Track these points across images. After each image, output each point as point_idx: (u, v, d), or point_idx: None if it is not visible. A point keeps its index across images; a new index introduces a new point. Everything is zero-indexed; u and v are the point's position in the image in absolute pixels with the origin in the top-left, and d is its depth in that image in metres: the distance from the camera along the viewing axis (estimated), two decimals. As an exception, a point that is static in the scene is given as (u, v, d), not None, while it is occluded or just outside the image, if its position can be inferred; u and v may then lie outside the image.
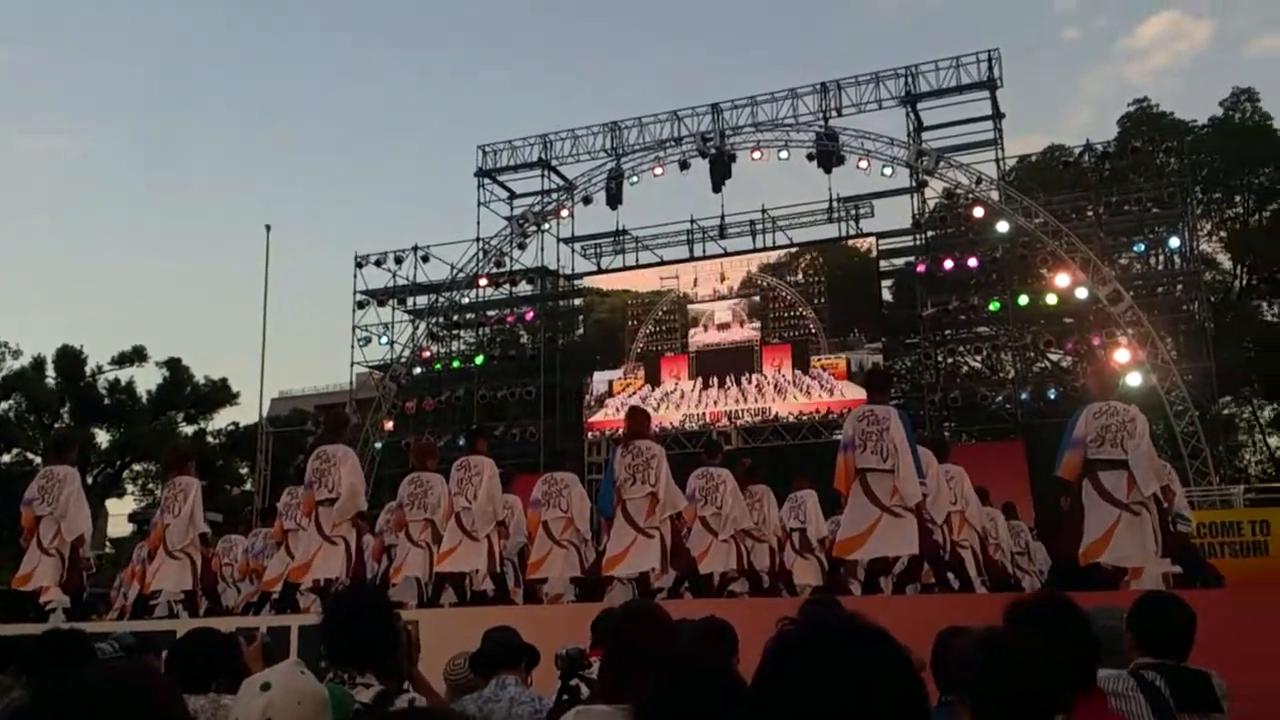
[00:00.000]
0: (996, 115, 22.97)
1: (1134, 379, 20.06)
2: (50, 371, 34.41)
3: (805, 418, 22.34)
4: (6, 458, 33.66)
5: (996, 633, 2.38)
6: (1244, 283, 29.70)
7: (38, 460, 33.39)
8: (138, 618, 9.12)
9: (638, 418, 9.15)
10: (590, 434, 23.78)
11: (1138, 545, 6.82)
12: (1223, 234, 29.60)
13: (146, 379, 36.94)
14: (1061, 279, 20.74)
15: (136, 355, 35.03)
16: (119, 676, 1.52)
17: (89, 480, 31.68)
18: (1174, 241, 21.68)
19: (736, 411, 22.97)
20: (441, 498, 9.31)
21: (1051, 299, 21.23)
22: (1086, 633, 2.75)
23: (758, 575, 9.93)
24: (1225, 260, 29.68)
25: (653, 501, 8.30)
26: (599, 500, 9.38)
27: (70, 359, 34.40)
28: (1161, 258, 22.89)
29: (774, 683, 1.22)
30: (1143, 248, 22.31)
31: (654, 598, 7.68)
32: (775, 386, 22.82)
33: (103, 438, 35.00)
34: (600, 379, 24.47)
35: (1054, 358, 26.38)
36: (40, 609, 8.80)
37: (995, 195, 21.94)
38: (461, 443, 23.00)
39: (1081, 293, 20.65)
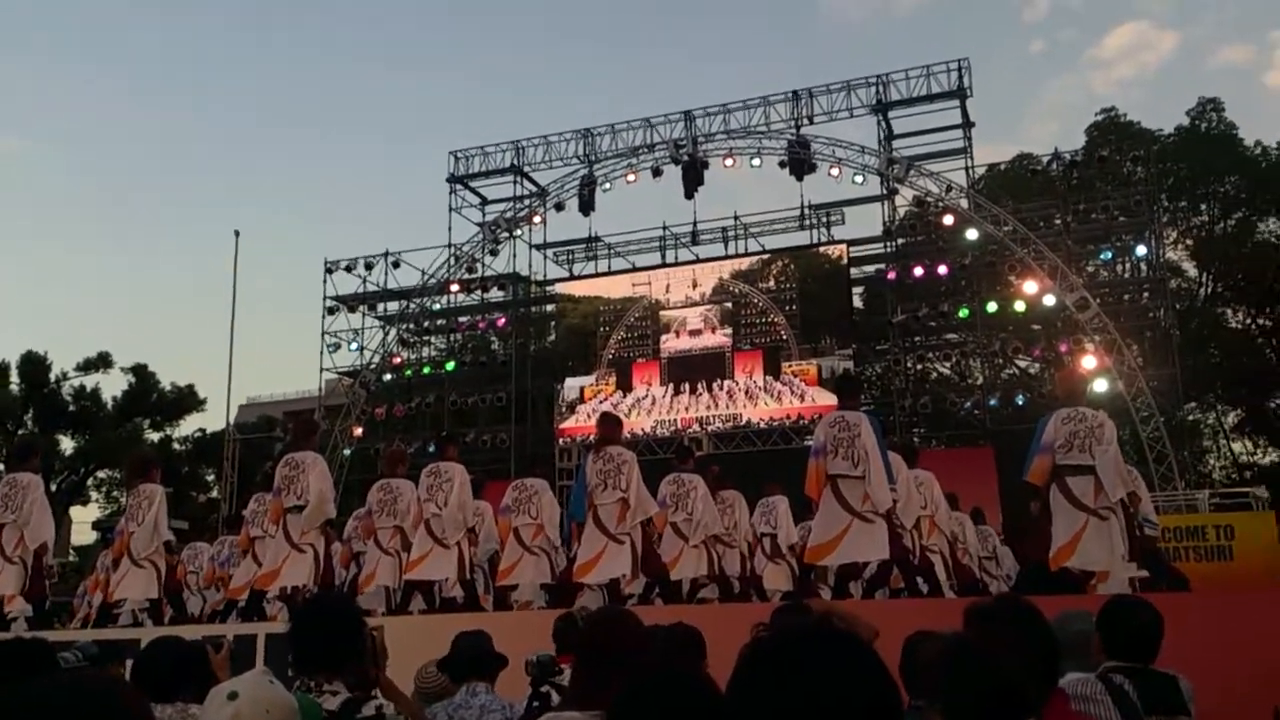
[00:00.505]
0: (966, 124, 23.17)
1: (1100, 385, 20.24)
2: (14, 378, 34.00)
3: (776, 424, 22.41)
4: (-31, 464, 33.18)
5: (965, 637, 2.38)
6: (1209, 290, 30.11)
7: (0, 467, 32.91)
8: (101, 626, 9.01)
9: (609, 424, 9.15)
10: (561, 440, 23.74)
11: (1105, 550, 6.88)
12: (1188, 242, 30.01)
13: (112, 385, 36.64)
14: (1029, 286, 20.92)
15: (102, 361, 34.69)
16: (85, 685, 1.50)
17: (52, 487, 31.27)
18: (1140, 249, 21.94)
19: (708, 417, 23.01)
20: (411, 505, 9.25)
21: (1020, 306, 21.41)
22: (1047, 635, 2.77)
23: (728, 580, 9.94)
24: (1191, 268, 30.10)
25: (624, 507, 8.30)
26: (571, 505, 9.37)
27: (34, 365, 34.00)
28: (1128, 265, 23.16)
29: (749, 688, 1.22)
30: (1109, 255, 22.58)
31: (624, 604, 7.66)
32: (746, 392, 22.87)
33: (67, 444, 34.62)
34: (572, 385, 24.45)
35: (1022, 364, 26.60)
36: (1, 618, 8.66)
37: (965, 203, 22.11)
38: (432, 449, 22.99)
39: (1049, 300, 20.84)
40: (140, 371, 35.48)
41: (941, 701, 2.22)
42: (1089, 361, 20.21)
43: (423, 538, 8.93)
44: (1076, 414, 7.29)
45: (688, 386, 23.33)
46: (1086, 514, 6.97)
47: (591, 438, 11.39)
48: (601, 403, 23.59)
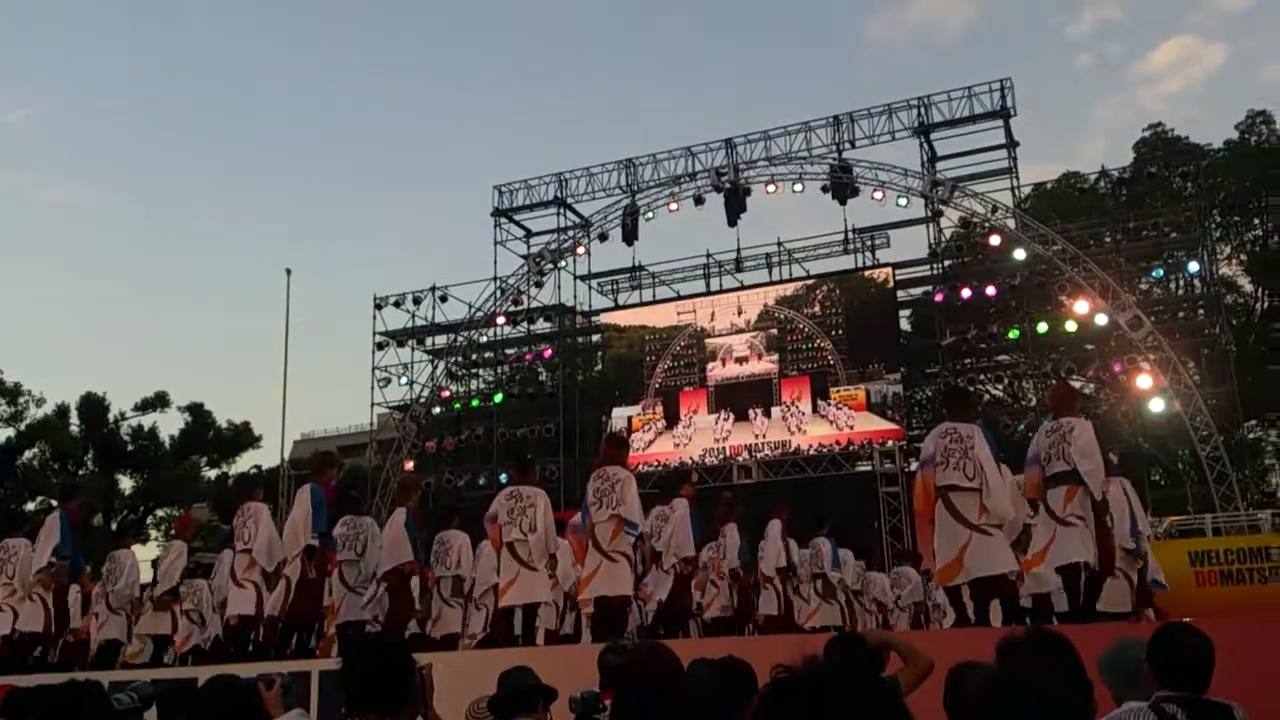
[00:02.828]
0: (1010, 144, 23.02)
1: (1157, 405, 19.91)
2: (74, 419, 34.69)
3: (826, 449, 22.27)
4: (31, 505, 33.84)
5: (1008, 669, 2.35)
6: (1265, 305, 29.48)
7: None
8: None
9: (613, 444, 9.40)
10: (611, 470, 23.71)
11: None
12: (1242, 257, 29.44)
13: (169, 424, 37.30)
14: (1081, 306, 20.67)
15: (159, 401, 35.28)
16: None
17: (112, 526, 31.83)
18: (1193, 266, 21.60)
19: (756, 444, 22.91)
20: (463, 549, 9.70)
21: (1071, 326, 21.15)
22: (1077, 666, 2.72)
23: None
24: (1246, 283, 29.50)
25: (617, 524, 8.36)
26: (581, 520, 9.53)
27: (93, 406, 34.68)
28: (1181, 282, 22.79)
29: None
30: (1161, 273, 22.26)
31: (657, 637, 7.66)
32: (795, 419, 22.76)
33: (126, 484, 35.21)
34: (619, 415, 24.47)
35: (1076, 385, 26.18)
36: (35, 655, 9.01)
37: (1011, 223, 21.93)
38: (504, 477, 23.08)
39: (1101, 319, 20.55)
40: (196, 410, 36.07)
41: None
42: (1144, 381, 19.90)
43: (508, 562, 8.76)
44: (1054, 425, 7.50)
45: (736, 414, 23.27)
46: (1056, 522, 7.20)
47: (637, 467, 11.59)
48: (650, 432, 23.62)
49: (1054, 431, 7.48)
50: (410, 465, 25.13)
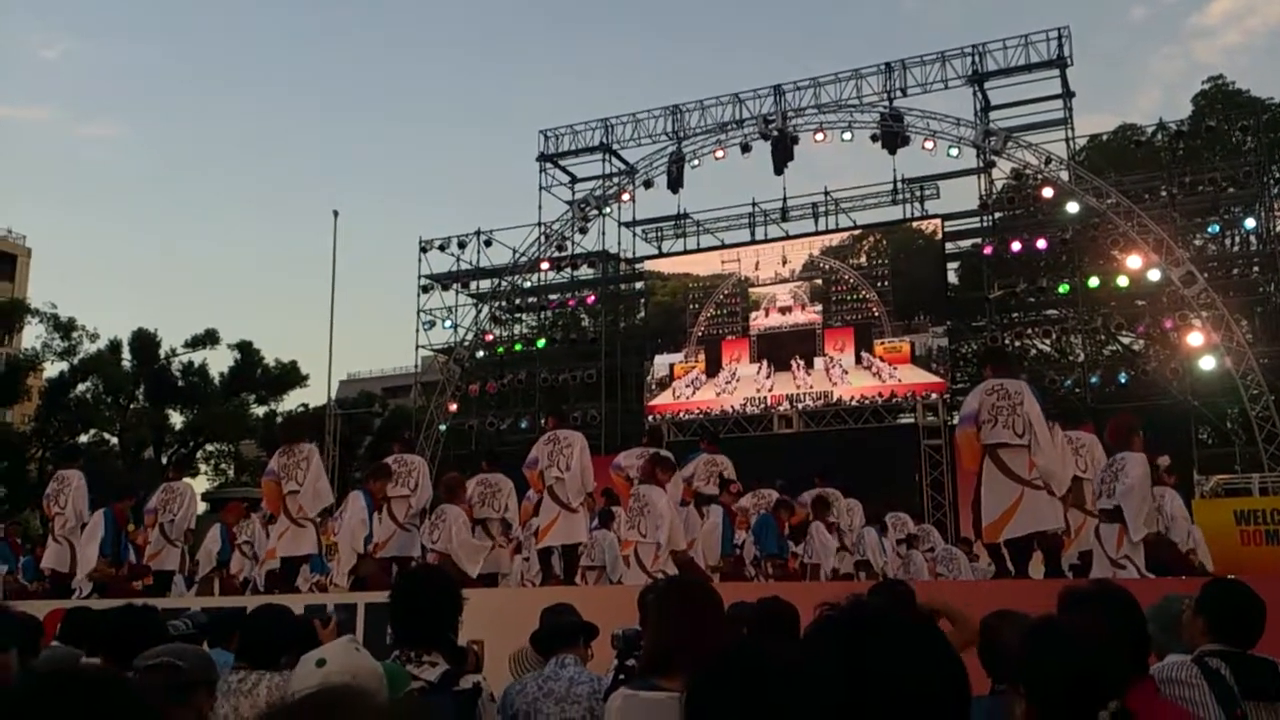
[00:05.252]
0: (1066, 94, 22.52)
1: (1207, 362, 19.60)
2: (126, 354, 35.25)
3: (868, 401, 22.18)
4: (84, 438, 34.58)
5: (1049, 618, 2.36)
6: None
7: (114, 440, 34.29)
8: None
9: (559, 414, 10.63)
10: (651, 417, 23.81)
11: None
12: (1302, 214, 28.74)
13: (219, 361, 37.68)
14: (1133, 260, 20.32)
15: (209, 338, 35.73)
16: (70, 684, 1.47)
17: (162, 460, 32.50)
18: (1250, 222, 21.16)
19: (798, 395, 22.86)
20: (511, 494, 10.05)
21: (1123, 281, 20.81)
22: (1138, 620, 2.72)
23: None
24: (1304, 241, 28.81)
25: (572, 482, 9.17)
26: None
27: (145, 342, 35.19)
28: (1237, 238, 22.33)
29: (809, 669, 1.21)
30: (1217, 228, 21.80)
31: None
32: (838, 369, 22.66)
33: (176, 419, 35.83)
34: (661, 362, 24.49)
35: (1125, 340, 25.83)
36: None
37: (1065, 175, 21.53)
38: (524, 425, 23.36)
39: (1154, 274, 20.21)
40: (245, 348, 36.50)
41: (1025, 683, 2.20)
42: (1196, 338, 19.58)
43: (548, 504, 9.27)
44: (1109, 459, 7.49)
45: (778, 364, 23.20)
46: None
47: (679, 415, 11.54)
48: (691, 380, 23.65)
49: (1108, 467, 7.47)
50: (453, 407, 25.40)
